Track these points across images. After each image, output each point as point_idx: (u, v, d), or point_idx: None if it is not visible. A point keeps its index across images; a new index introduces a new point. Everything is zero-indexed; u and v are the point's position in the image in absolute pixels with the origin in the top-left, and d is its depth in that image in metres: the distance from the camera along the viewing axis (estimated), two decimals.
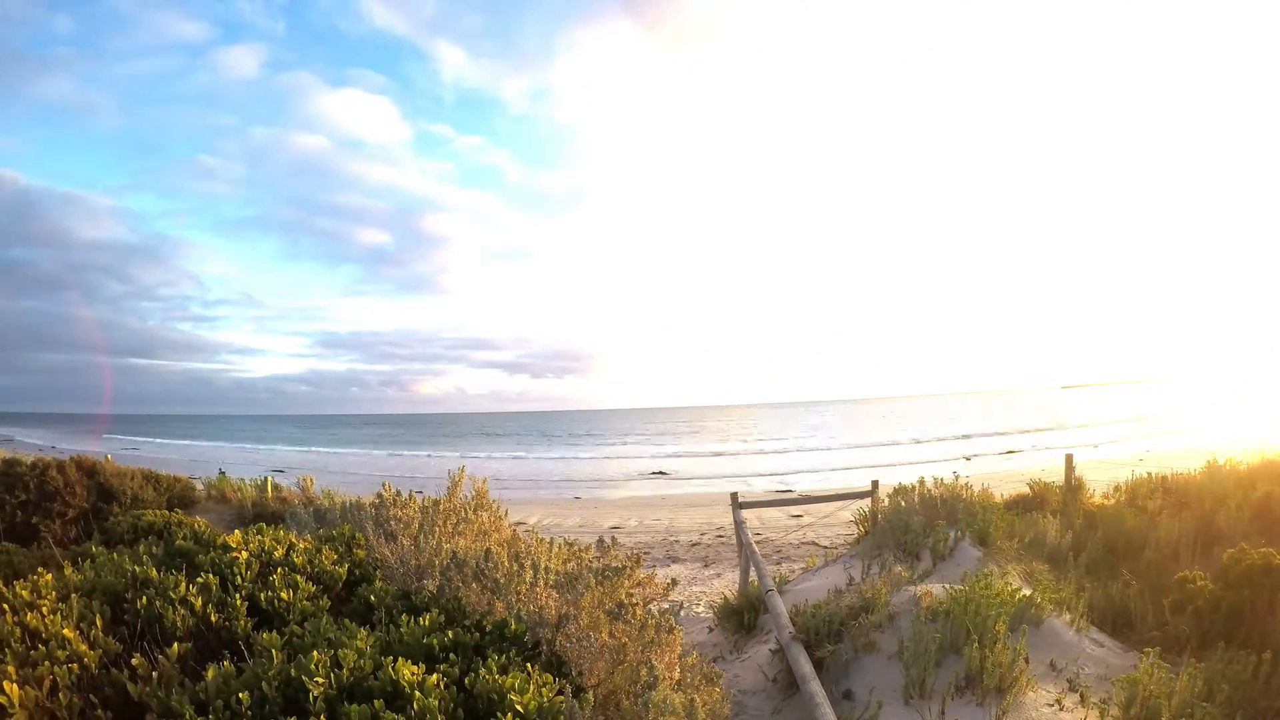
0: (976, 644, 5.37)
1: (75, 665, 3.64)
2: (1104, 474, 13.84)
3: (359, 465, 59.59)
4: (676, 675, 4.88)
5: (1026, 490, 12.00)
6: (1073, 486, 11.67)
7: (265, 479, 17.84)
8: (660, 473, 49.34)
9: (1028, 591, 6.53)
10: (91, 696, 3.60)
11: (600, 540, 6.08)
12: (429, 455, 74.94)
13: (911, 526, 9.54)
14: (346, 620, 4.43)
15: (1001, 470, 30.98)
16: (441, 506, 7.45)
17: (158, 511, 9.71)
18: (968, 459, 45.36)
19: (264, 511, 14.01)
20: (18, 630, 3.79)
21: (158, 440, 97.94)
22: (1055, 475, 12.50)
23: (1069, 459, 12.22)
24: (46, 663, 3.54)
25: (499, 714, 3.44)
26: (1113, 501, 10.88)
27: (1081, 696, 5.34)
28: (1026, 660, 5.51)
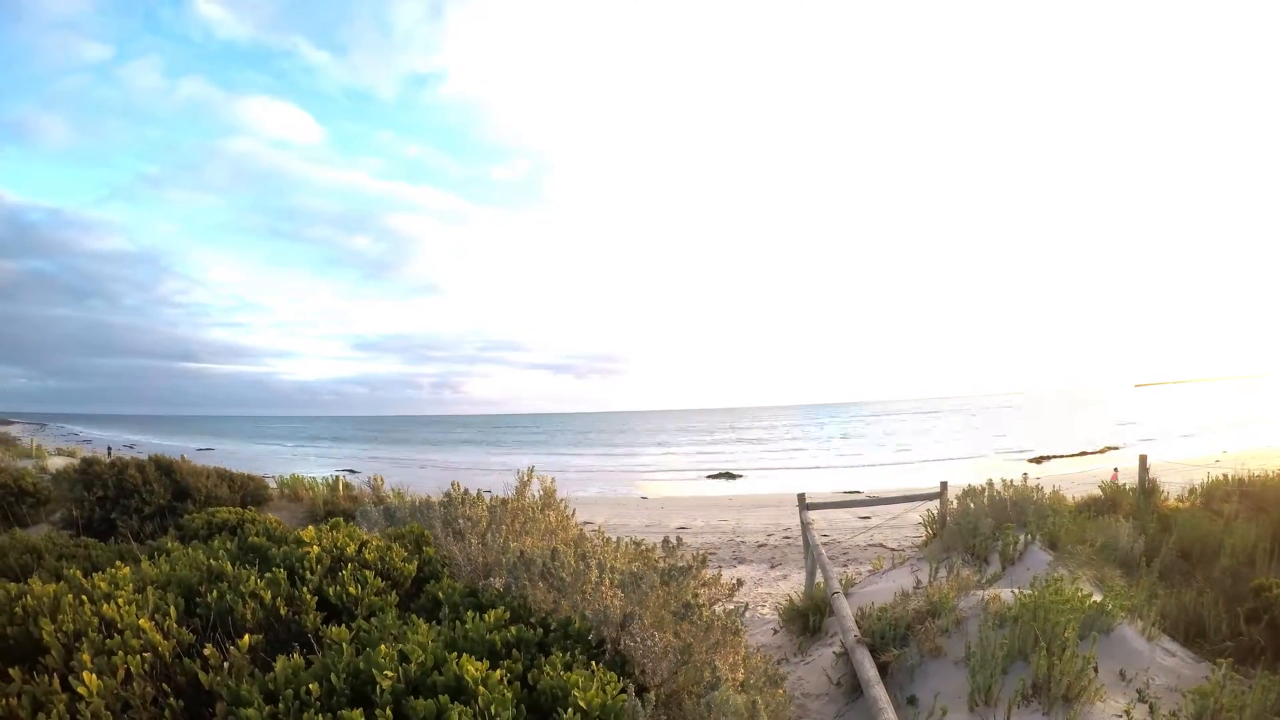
0: (1044, 651, 5.24)
1: (149, 654, 3.73)
2: (1179, 475, 13.52)
3: (424, 465, 60.25)
4: (740, 676, 4.88)
5: (1098, 492, 11.78)
6: (1146, 489, 11.45)
7: (337, 478, 18.20)
8: (726, 473, 49.21)
9: (1098, 598, 6.34)
10: (164, 685, 3.69)
11: (666, 540, 6.09)
12: (491, 455, 75.58)
13: (980, 529, 9.42)
14: (413, 615, 4.50)
15: (1072, 472, 30.32)
16: (509, 506, 7.51)
17: (232, 509, 9.95)
18: (1038, 460, 44.61)
19: (335, 509, 14.26)
20: (95, 620, 3.90)
21: (229, 440, 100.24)
22: (1128, 477, 12.28)
23: (1143, 460, 11.99)
24: (121, 652, 3.64)
25: (561, 710, 3.49)
26: (1187, 504, 10.65)
27: (1150, 708, 5.15)
28: (1095, 669, 5.34)
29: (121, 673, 3.58)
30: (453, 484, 8.01)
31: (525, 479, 8.29)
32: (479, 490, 7.96)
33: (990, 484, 10.73)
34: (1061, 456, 46.42)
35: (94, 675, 3.44)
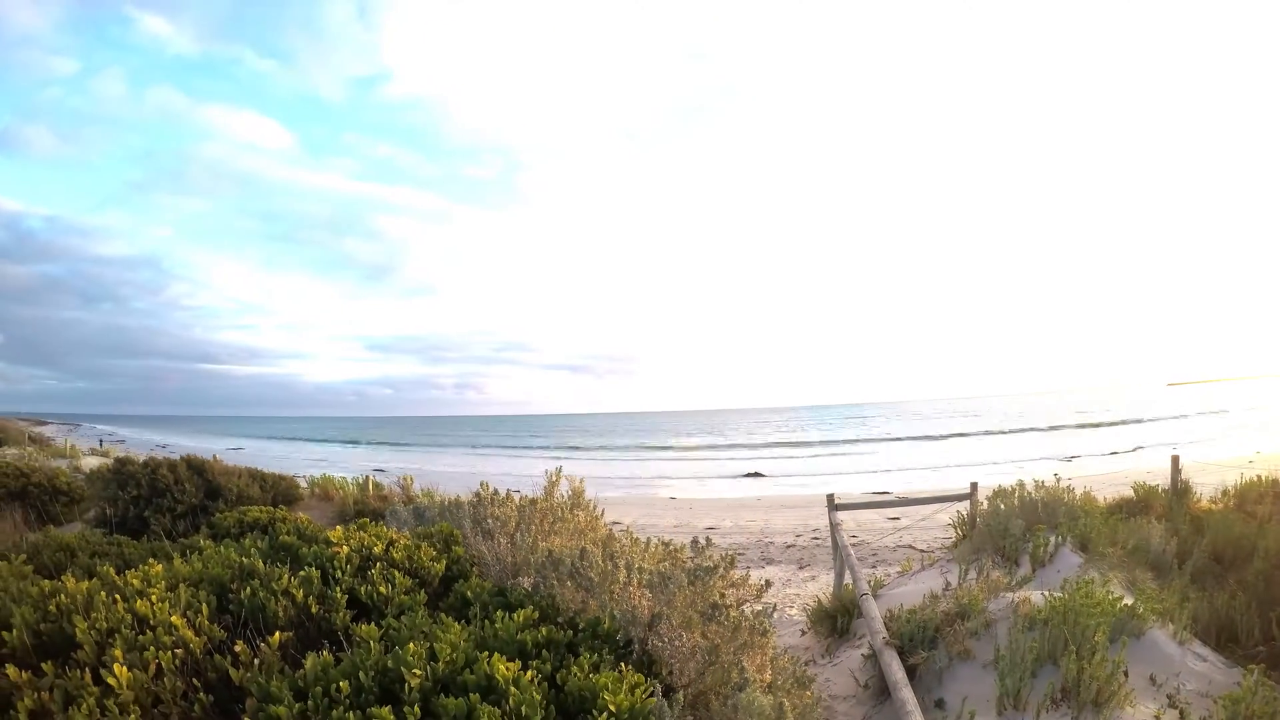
0: (1074, 655, 5.18)
1: (181, 651, 3.78)
2: (1212, 476, 13.35)
3: (451, 464, 60.49)
4: (767, 678, 4.88)
5: (1130, 493, 11.67)
6: (1178, 490, 11.33)
7: (367, 478, 18.33)
8: (756, 473, 49.10)
9: (1129, 601, 6.25)
10: (195, 681, 3.74)
11: (695, 540, 6.09)
12: (518, 455, 75.83)
13: (1011, 530, 9.34)
14: (442, 615, 4.54)
15: (1104, 472, 29.95)
16: (538, 506, 7.54)
17: (263, 508, 10.04)
18: (1069, 460, 44.24)
19: (365, 509, 14.38)
20: (128, 617, 3.94)
21: (258, 440, 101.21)
22: (1160, 478, 12.14)
23: (1175, 460, 11.86)
24: (153, 648, 3.68)
25: (590, 712, 3.50)
26: (1220, 506, 10.53)
27: (1181, 714, 5.07)
28: (1126, 673, 5.26)
29: (153, 668, 3.63)
30: (482, 484, 8.04)
31: (554, 479, 8.31)
32: (507, 490, 7.99)
33: (1021, 484, 10.64)
34: (1093, 456, 46.01)
35: (125, 670, 3.49)
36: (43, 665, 3.62)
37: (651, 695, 3.74)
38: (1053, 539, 8.74)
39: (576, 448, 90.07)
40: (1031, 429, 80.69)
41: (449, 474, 41.45)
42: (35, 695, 3.40)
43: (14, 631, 3.92)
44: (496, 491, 7.79)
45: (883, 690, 6.31)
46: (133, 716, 3.34)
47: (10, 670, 3.54)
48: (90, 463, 22.08)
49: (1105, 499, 11.40)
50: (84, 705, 3.31)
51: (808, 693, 5.23)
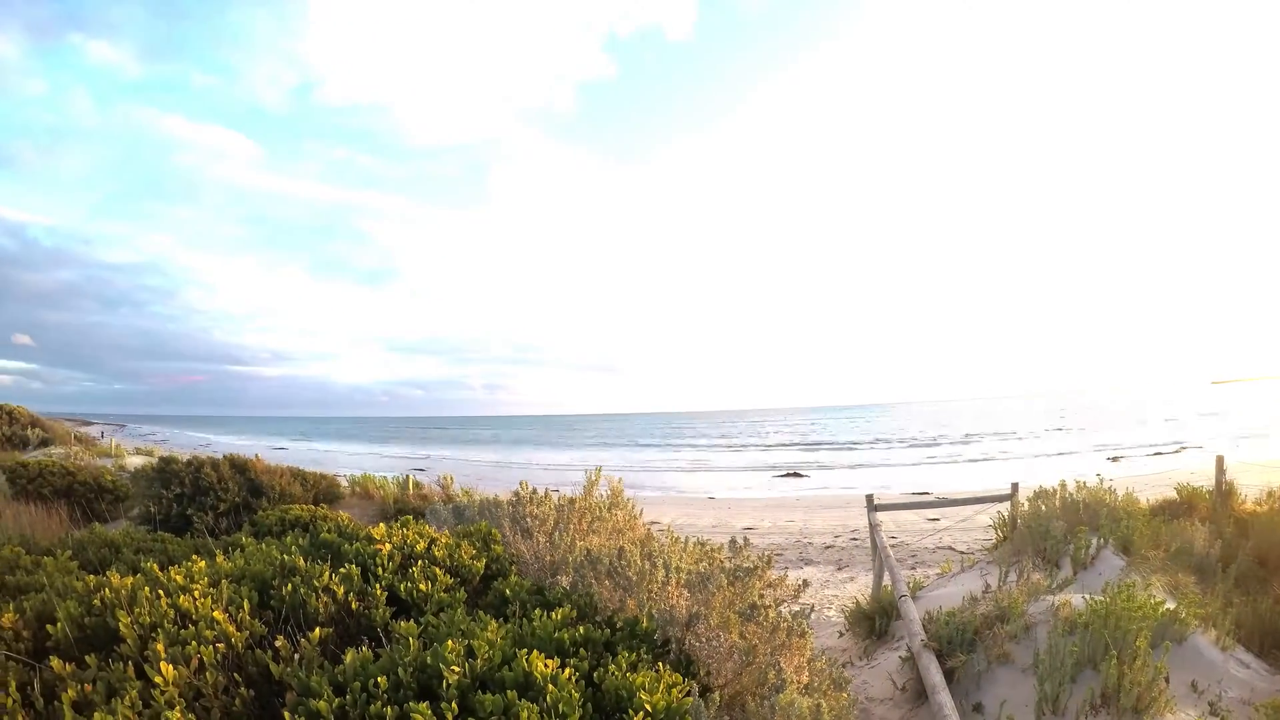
0: (1115, 660, 5.10)
1: (222, 645, 3.83)
2: (1258, 477, 13.13)
3: (490, 464, 60.76)
4: (805, 679, 4.87)
5: (1173, 495, 11.52)
6: (1223, 491, 11.15)
7: (407, 476, 18.49)
8: (794, 473, 48.90)
9: (1171, 605, 6.16)
10: (236, 675, 3.78)
11: (733, 540, 6.09)
12: (554, 455, 76.01)
13: (1052, 532, 9.24)
14: (481, 612, 4.58)
15: (1147, 472, 29.56)
16: (577, 505, 7.58)
17: (304, 506, 10.17)
18: (1112, 460, 43.69)
19: (405, 508, 14.53)
20: (171, 612, 4.00)
21: (299, 440, 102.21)
22: (1204, 478, 11.96)
23: (1219, 461, 11.67)
24: (195, 642, 3.74)
25: (627, 711, 3.52)
26: (1266, 508, 10.37)
27: None
28: (1167, 680, 5.16)
29: (195, 662, 3.68)
30: (521, 483, 8.09)
31: (593, 478, 8.35)
32: (546, 489, 8.04)
33: (1062, 485, 10.53)
34: (1135, 456, 45.38)
35: (168, 664, 3.54)
36: (86, 658, 3.68)
37: (688, 695, 3.75)
38: (1094, 541, 8.64)
39: (612, 446, 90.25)
40: (1073, 428, 79.77)
41: (487, 473, 41.70)
42: (79, 687, 3.46)
43: (59, 625, 3.99)
44: (535, 491, 7.84)
45: (920, 693, 6.28)
46: (176, 710, 3.40)
47: (55, 662, 3.61)
48: (134, 461, 22.42)
49: (1148, 500, 11.24)
50: (126, 698, 3.37)
51: (844, 694, 5.21)
